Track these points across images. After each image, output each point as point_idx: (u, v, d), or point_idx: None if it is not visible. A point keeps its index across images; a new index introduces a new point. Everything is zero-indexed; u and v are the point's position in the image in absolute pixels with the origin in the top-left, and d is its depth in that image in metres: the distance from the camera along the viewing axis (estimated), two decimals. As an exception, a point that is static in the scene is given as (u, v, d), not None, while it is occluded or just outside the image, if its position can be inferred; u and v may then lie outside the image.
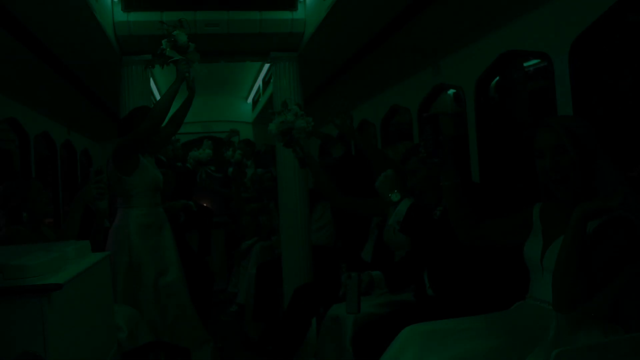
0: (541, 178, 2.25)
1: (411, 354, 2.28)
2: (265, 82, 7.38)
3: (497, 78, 4.20)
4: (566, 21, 3.12)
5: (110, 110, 6.79)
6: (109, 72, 4.99)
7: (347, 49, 4.79)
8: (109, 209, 3.87)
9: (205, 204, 7.27)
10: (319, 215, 5.40)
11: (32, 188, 3.58)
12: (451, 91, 4.85)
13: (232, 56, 5.25)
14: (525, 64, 4.07)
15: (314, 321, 4.40)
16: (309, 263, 5.00)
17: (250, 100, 9.00)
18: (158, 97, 7.57)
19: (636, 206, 2.00)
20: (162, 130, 4.19)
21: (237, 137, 7.55)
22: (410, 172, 3.18)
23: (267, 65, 6.60)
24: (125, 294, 3.93)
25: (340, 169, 4.93)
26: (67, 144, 7.12)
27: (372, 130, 6.45)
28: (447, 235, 2.75)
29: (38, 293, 2.01)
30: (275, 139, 4.18)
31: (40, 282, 2.06)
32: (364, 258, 4.27)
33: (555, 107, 3.23)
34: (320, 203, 5.37)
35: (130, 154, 3.97)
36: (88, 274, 2.57)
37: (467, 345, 2.24)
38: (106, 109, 6.73)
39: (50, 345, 2.01)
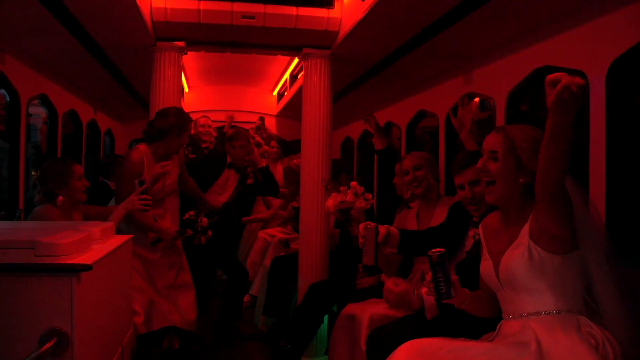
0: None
1: None
2: (293, 77, 7.37)
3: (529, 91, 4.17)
4: (606, 42, 3.11)
5: (137, 94, 6.84)
6: (141, 56, 5.03)
7: (380, 51, 4.78)
8: None
9: None
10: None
11: (74, 175, 3.63)
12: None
13: (265, 49, 5.27)
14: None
15: (326, 318, 4.44)
16: (325, 261, 5.00)
17: (275, 92, 9.01)
18: (186, 85, 7.67)
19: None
20: None
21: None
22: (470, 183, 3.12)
23: (296, 60, 6.60)
24: None
25: (384, 160, 4.91)
26: (92, 123, 7.18)
27: (397, 132, 6.44)
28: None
29: (69, 272, 2.04)
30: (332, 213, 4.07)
31: (70, 261, 2.10)
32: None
33: (588, 124, 3.22)
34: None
35: None
36: (113, 255, 2.61)
37: None
38: (133, 92, 6.78)
39: (77, 324, 2.05)
